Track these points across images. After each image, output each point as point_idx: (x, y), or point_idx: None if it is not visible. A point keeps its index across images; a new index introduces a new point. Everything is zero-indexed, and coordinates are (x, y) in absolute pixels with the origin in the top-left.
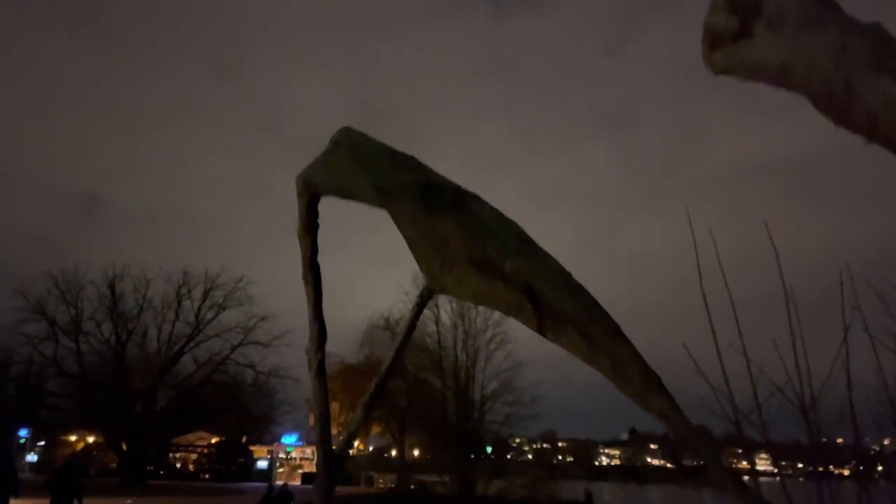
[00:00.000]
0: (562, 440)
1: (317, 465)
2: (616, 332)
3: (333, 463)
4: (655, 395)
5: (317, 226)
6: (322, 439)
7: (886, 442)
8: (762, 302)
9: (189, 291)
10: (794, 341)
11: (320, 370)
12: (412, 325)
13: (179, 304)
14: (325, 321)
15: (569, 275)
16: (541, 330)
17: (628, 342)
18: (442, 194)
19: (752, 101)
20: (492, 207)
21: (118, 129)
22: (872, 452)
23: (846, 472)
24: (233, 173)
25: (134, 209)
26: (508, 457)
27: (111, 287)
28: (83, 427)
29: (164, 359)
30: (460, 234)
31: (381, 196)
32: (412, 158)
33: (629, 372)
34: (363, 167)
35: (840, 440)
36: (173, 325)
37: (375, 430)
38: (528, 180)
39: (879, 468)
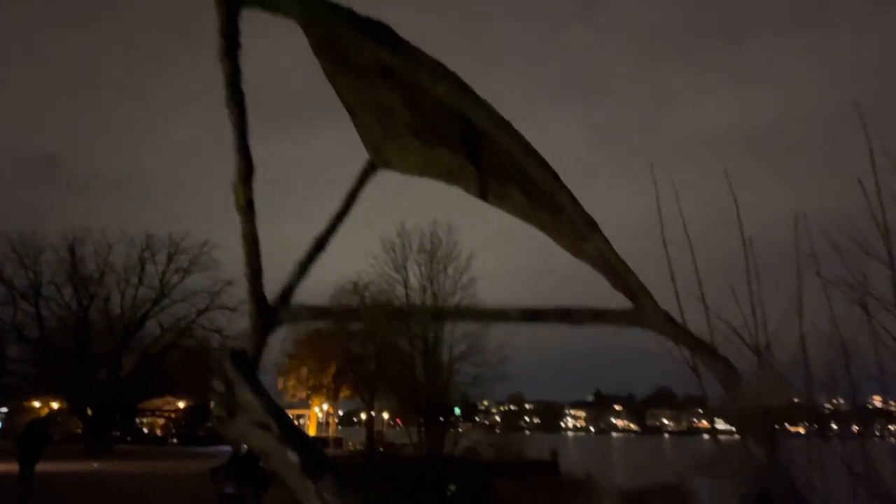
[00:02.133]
0: (528, 402)
1: (249, 314)
2: (554, 176)
3: (266, 312)
4: (592, 237)
5: (238, 45)
6: (253, 285)
7: (840, 401)
8: (724, 260)
9: (153, 255)
10: (750, 287)
11: (248, 206)
12: (352, 197)
13: (143, 268)
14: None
15: (507, 121)
16: (483, 195)
17: (565, 186)
18: (377, 26)
19: (721, 66)
20: (432, 56)
21: (78, 93)
22: (827, 411)
23: (801, 430)
24: (199, 139)
25: (95, 174)
26: (476, 419)
27: (71, 250)
28: (46, 393)
29: (128, 324)
30: (395, 72)
31: (304, 8)
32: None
33: (567, 217)
34: None
35: (796, 399)
36: (137, 290)
37: (345, 393)
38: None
39: (834, 426)
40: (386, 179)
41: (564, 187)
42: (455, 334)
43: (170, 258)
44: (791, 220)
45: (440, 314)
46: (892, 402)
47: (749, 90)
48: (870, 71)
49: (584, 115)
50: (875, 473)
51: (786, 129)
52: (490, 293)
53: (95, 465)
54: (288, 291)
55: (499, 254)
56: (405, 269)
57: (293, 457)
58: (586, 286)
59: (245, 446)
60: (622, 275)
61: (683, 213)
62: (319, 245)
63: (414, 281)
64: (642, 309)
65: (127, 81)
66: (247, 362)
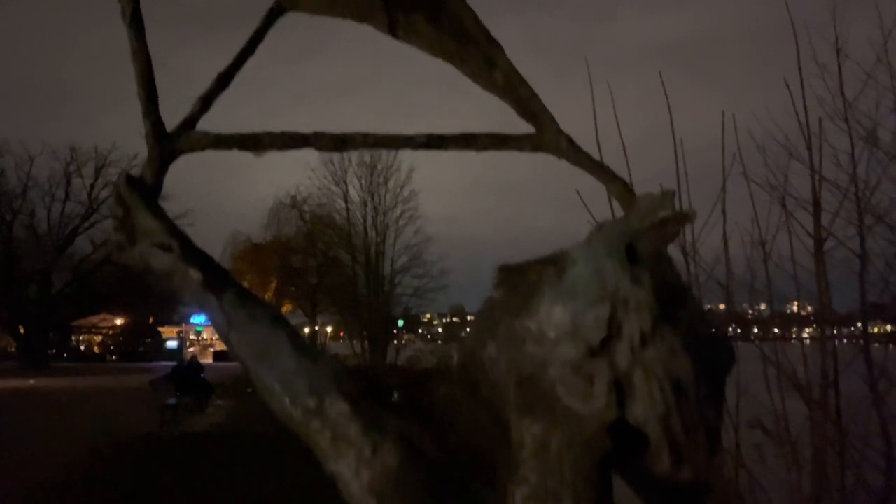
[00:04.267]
0: (470, 314)
1: (145, 138)
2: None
3: (164, 138)
4: (499, 61)
5: None
6: (148, 107)
7: (763, 307)
8: (657, 166)
9: (79, 169)
10: (679, 186)
11: (134, 17)
12: (257, 37)
13: (69, 182)
14: (230, 198)
15: None
16: (392, 30)
17: (469, 6)
18: None
19: None
20: None
21: None
22: (749, 316)
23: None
24: (121, 44)
25: (11, 82)
26: (420, 330)
27: None
28: None
29: (57, 240)
30: None
31: None
32: None
33: (474, 45)
34: None
35: (722, 306)
36: (64, 205)
37: (287, 308)
38: (431, 67)
39: (755, 330)
40: (325, 86)
41: (468, 6)
42: (396, 248)
43: (97, 171)
44: (719, 126)
45: (345, 139)
46: (808, 308)
47: (688, 3)
48: None
49: (523, 25)
50: (784, 358)
51: (721, 42)
52: (431, 207)
53: (31, 382)
54: (188, 121)
55: (439, 169)
56: (345, 182)
57: (195, 274)
58: (522, 199)
59: (188, 358)
60: (526, 100)
61: (620, 121)
62: (222, 82)
63: (354, 194)
64: (544, 133)
65: None
66: (145, 188)
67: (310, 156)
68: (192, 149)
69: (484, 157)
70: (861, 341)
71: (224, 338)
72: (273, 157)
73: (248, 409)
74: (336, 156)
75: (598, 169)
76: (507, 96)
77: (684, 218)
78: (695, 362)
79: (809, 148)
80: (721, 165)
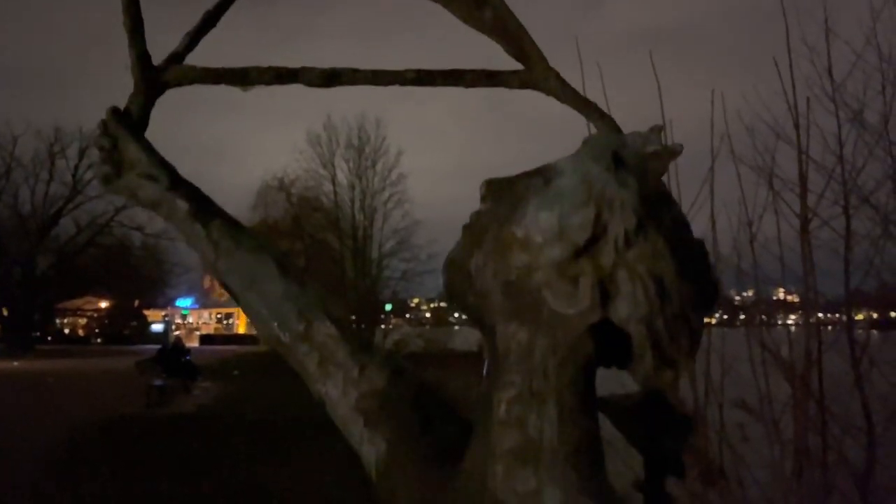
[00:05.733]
0: None
1: (131, 71)
2: None
3: (151, 71)
4: (488, 2)
5: None
6: (134, 39)
7: (750, 293)
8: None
9: (63, 150)
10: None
11: None
12: None
13: (53, 163)
14: (217, 180)
15: None
16: None
17: None
18: None
19: None
20: None
21: None
22: (735, 302)
23: (712, 321)
24: (111, 25)
25: None
26: (407, 315)
27: None
28: None
29: (41, 222)
30: None
31: None
32: None
33: None
34: None
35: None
36: (48, 186)
37: None
38: (424, 50)
39: (742, 316)
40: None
41: None
42: (384, 231)
43: (82, 152)
44: (708, 112)
45: (333, 74)
46: (794, 294)
47: None
48: None
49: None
50: (768, 336)
51: (710, 25)
52: (420, 192)
53: (15, 363)
54: (175, 56)
55: (427, 153)
56: (332, 164)
57: (182, 204)
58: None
59: (172, 340)
60: (516, 36)
61: (609, 104)
62: (209, 19)
63: (342, 177)
64: (533, 69)
65: None
66: (132, 120)
67: (297, 138)
68: (179, 82)
69: (474, 140)
70: (845, 321)
71: (212, 267)
72: (261, 139)
73: (234, 391)
74: (324, 137)
75: (585, 106)
76: (495, 34)
77: (672, 152)
78: (678, 264)
79: (797, 128)
80: (709, 148)
